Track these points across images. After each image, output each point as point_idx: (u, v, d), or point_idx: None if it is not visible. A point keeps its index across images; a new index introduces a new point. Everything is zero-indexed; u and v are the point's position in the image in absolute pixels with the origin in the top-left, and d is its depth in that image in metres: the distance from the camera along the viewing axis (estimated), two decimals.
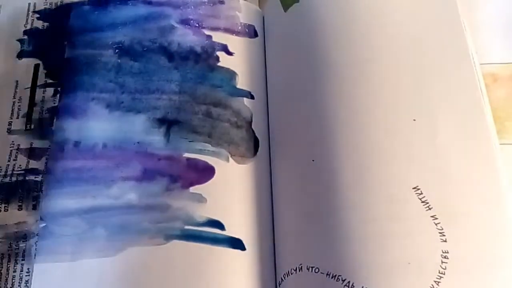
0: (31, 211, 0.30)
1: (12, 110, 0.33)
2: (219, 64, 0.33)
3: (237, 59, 0.33)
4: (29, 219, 0.30)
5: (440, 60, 0.30)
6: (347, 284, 0.26)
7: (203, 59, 0.33)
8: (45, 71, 0.34)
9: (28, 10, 0.36)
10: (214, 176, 0.30)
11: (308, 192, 0.29)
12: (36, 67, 0.34)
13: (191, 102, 0.32)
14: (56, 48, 0.34)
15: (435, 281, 0.25)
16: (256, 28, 0.35)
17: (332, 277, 0.26)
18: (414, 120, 0.29)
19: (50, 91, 0.33)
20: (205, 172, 0.30)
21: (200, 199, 0.29)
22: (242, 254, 0.29)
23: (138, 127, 0.31)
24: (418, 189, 0.27)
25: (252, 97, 0.33)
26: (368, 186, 0.27)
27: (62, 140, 0.31)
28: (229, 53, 0.33)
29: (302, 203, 0.29)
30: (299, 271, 0.28)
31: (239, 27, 0.34)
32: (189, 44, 0.33)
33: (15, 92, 0.34)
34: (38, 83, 0.34)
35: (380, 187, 0.27)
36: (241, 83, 0.33)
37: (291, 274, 0.28)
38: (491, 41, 0.32)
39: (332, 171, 0.28)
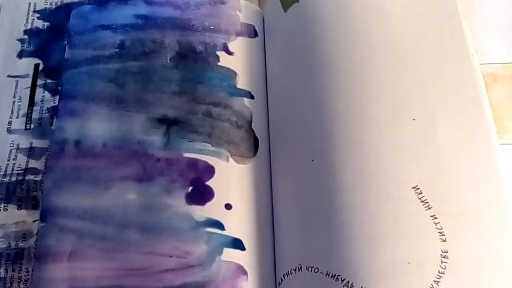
0: (30, 210, 0.30)
1: (12, 110, 0.33)
2: (219, 63, 0.33)
3: (237, 59, 0.33)
4: (29, 218, 0.30)
5: (440, 60, 0.30)
6: (347, 284, 0.26)
7: (203, 59, 0.33)
8: (45, 71, 0.34)
9: (29, 9, 0.36)
10: (214, 176, 0.30)
11: (307, 192, 0.29)
12: (36, 66, 0.34)
13: (191, 101, 0.32)
14: (56, 47, 0.34)
15: (434, 281, 0.25)
16: (256, 28, 0.35)
17: (331, 277, 0.26)
18: (414, 119, 0.29)
19: (50, 90, 0.33)
20: (205, 172, 0.30)
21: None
22: (242, 254, 0.29)
23: (137, 127, 0.31)
24: (418, 188, 0.27)
25: (252, 97, 0.33)
26: (367, 185, 0.27)
27: (61, 140, 0.31)
28: (229, 52, 0.33)
29: (302, 203, 0.29)
30: (299, 271, 0.27)
31: (240, 27, 0.34)
32: (189, 44, 0.33)
33: (15, 91, 0.34)
34: (38, 83, 0.34)
35: (379, 186, 0.27)
36: (241, 83, 0.33)
37: (291, 274, 0.28)
38: (491, 41, 0.32)
39: (331, 170, 0.28)
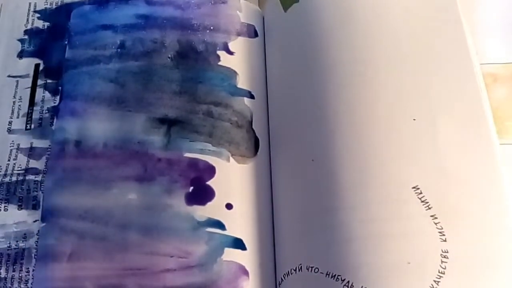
0: (31, 210, 0.30)
1: (12, 110, 0.33)
2: (219, 63, 0.33)
3: (238, 58, 0.33)
4: (29, 218, 0.30)
5: (441, 60, 0.30)
6: (347, 284, 0.26)
7: (204, 58, 0.33)
8: (45, 71, 0.34)
9: (29, 9, 0.36)
10: (215, 175, 0.30)
11: (307, 192, 0.29)
12: (37, 66, 0.34)
13: (192, 101, 0.32)
14: (56, 47, 0.34)
15: (434, 281, 0.25)
16: (256, 28, 0.35)
17: (331, 277, 0.26)
18: (414, 119, 0.29)
19: (50, 90, 0.33)
20: (206, 172, 0.30)
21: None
22: (243, 253, 0.29)
23: (138, 127, 0.31)
24: (418, 188, 0.27)
25: (252, 97, 0.33)
26: (367, 185, 0.27)
27: (62, 140, 0.31)
28: (230, 52, 0.33)
29: (302, 203, 0.29)
30: (299, 271, 0.27)
31: (240, 27, 0.34)
32: (190, 43, 0.33)
33: (15, 91, 0.34)
34: (39, 83, 0.34)
35: (379, 186, 0.27)
36: (242, 82, 0.33)
37: (291, 274, 0.28)
38: (491, 41, 0.32)
39: (331, 170, 0.28)
